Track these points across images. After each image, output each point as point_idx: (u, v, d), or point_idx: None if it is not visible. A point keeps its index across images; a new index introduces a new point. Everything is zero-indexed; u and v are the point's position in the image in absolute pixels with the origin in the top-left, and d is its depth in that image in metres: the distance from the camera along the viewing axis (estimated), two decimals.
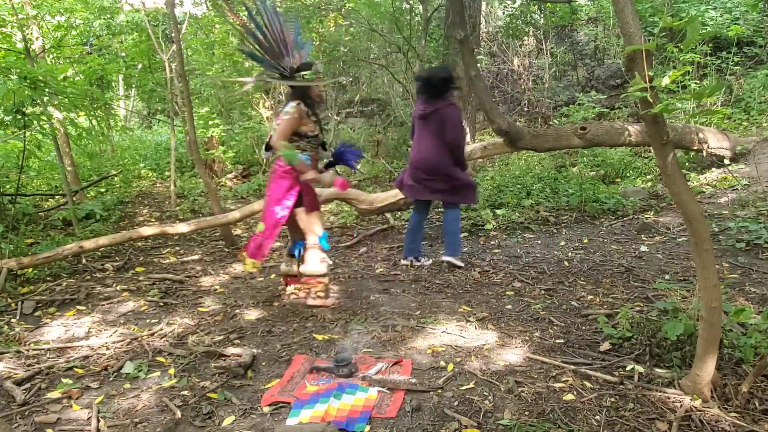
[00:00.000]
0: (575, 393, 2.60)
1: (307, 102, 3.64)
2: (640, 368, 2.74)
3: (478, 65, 5.03)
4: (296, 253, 3.87)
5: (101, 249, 4.97)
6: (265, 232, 3.67)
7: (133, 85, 11.52)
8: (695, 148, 5.25)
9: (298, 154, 3.56)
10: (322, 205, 6.45)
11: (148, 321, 3.72)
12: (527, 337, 3.25)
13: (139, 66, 8.67)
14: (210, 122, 8.98)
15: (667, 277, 4.11)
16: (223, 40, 9.50)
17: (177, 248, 5.56)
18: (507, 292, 4.03)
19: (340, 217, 6.46)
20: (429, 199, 4.70)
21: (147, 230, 4.99)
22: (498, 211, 6.01)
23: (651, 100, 2.12)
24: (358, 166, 4.35)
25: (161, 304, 4.01)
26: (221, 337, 3.40)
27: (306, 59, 3.69)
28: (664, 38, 8.47)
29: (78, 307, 3.96)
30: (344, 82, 10.93)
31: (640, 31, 2.19)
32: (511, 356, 3.01)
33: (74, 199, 5.94)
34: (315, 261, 3.77)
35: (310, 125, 3.66)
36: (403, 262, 4.73)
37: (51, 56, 7.58)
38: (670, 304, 3.01)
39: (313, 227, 3.79)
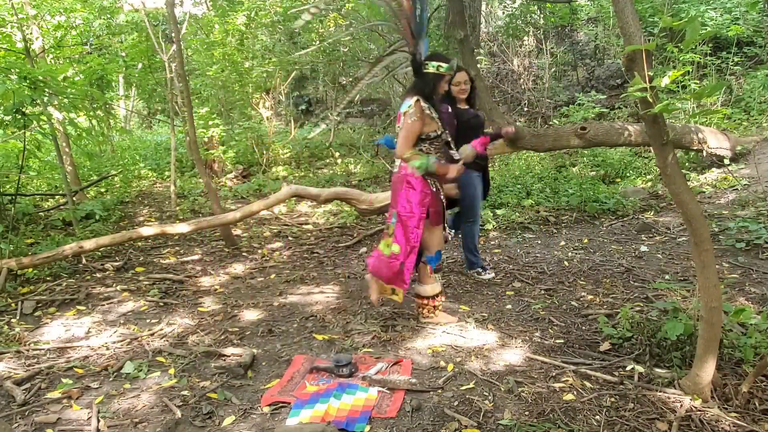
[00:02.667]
0: (575, 393, 2.60)
1: (429, 97, 3.28)
2: (640, 368, 2.74)
3: (478, 65, 5.03)
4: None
5: (101, 249, 4.96)
6: (401, 256, 3.27)
7: (134, 84, 11.51)
8: (695, 148, 5.25)
9: (430, 160, 3.22)
10: (322, 205, 6.48)
11: (148, 321, 3.72)
12: (527, 337, 3.25)
13: (139, 66, 8.67)
14: (210, 122, 8.98)
15: (667, 277, 4.11)
16: (222, 40, 9.50)
17: (177, 248, 5.56)
18: (507, 292, 4.03)
19: (340, 217, 6.46)
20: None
21: (147, 230, 4.98)
22: (498, 211, 6.01)
23: (651, 100, 2.12)
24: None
25: (161, 304, 4.01)
26: (221, 337, 3.41)
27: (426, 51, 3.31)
28: (664, 38, 8.47)
29: (78, 307, 3.96)
30: (344, 82, 10.92)
31: (640, 31, 2.19)
32: (511, 356, 3.01)
33: (74, 199, 5.94)
34: (428, 281, 3.47)
35: (433, 124, 3.28)
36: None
37: (51, 56, 7.58)
38: (670, 304, 3.01)
39: (431, 244, 3.43)
